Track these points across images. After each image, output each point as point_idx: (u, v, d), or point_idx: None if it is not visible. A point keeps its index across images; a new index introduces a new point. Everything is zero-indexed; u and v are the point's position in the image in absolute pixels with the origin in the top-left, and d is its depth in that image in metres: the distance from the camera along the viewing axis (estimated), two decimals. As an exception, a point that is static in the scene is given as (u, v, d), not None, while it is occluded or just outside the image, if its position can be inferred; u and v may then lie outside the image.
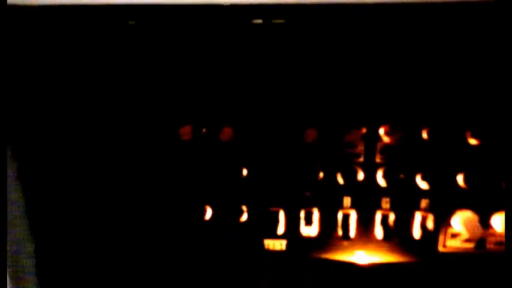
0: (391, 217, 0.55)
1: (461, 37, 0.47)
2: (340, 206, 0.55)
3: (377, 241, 0.56)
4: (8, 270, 0.54)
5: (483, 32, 0.47)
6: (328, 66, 0.50)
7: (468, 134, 0.51)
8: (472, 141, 0.51)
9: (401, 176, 0.53)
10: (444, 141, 0.52)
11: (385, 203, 0.54)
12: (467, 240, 0.54)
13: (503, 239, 0.54)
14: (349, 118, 0.52)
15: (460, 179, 0.53)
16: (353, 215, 0.55)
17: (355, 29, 0.48)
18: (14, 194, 0.53)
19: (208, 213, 0.56)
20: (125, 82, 0.50)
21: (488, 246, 0.54)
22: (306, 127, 0.52)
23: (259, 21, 0.47)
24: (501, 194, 0.52)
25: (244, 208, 0.55)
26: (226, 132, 0.52)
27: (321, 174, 0.54)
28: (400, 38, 0.48)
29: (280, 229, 0.56)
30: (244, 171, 0.54)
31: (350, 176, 0.54)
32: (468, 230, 0.53)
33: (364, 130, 0.53)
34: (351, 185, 0.54)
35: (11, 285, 0.55)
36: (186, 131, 0.52)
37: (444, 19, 0.47)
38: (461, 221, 0.54)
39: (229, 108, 0.52)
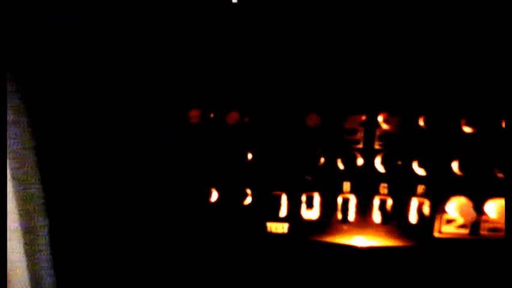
0: (389, 202, 0.57)
1: (457, 26, 0.50)
2: (340, 190, 0.57)
3: (375, 225, 0.58)
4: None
5: (478, 22, 0.49)
6: (330, 53, 0.53)
7: (463, 121, 0.53)
8: (467, 129, 0.54)
9: (399, 162, 0.55)
10: (440, 129, 0.54)
11: (383, 188, 0.57)
12: (461, 226, 0.57)
13: (497, 225, 0.56)
14: (350, 105, 0.54)
15: (455, 166, 0.55)
16: (352, 200, 0.58)
17: (355, 20, 0.51)
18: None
19: (214, 196, 0.58)
20: (135, 65, 0.53)
21: (482, 232, 0.56)
22: (308, 112, 0.55)
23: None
24: (495, 181, 0.55)
25: (248, 191, 0.58)
26: (233, 117, 0.55)
27: (322, 160, 0.56)
28: (398, 28, 0.51)
29: (283, 212, 0.58)
30: (249, 155, 0.57)
31: (350, 162, 0.56)
32: (462, 216, 0.55)
33: (363, 117, 0.55)
34: (351, 170, 0.56)
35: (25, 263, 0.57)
36: (194, 115, 0.55)
37: (441, 10, 0.49)
38: (456, 207, 0.56)
39: (236, 93, 0.54)
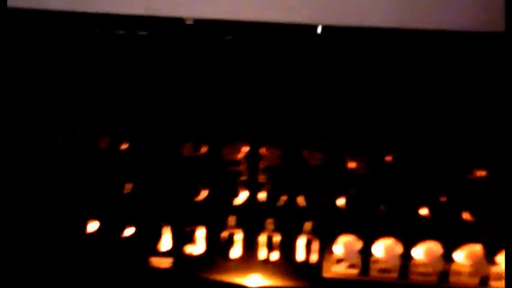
0: (276, 239, 0.54)
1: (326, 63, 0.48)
2: (225, 225, 0.54)
3: (262, 263, 0.55)
4: None
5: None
6: (213, 82, 0.50)
7: (347, 157, 0.51)
8: (352, 165, 0.51)
9: (284, 197, 0.53)
10: (325, 164, 0.51)
11: (270, 224, 0.54)
12: (351, 266, 0.54)
13: (387, 265, 0.53)
14: (230, 135, 0.52)
15: (341, 202, 0.52)
16: (238, 235, 0.54)
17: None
18: None
19: (91, 227, 0.55)
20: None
21: (372, 273, 0.53)
22: (185, 141, 0.52)
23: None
24: (383, 219, 0.52)
25: (129, 223, 0.54)
26: (104, 140, 0.52)
27: (205, 192, 0.53)
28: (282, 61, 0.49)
29: (166, 246, 0.55)
30: (129, 186, 0.54)
31: (234, 195, 0.53)
32: (349, 255, 0.53)
33: (246, 148, 0.52)
34: (236, 204, 0.53)
35: None
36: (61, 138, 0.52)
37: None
38: (344, 246, 0.53)
39: (109, 119, 0.51)
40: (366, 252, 0.53)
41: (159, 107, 0.51)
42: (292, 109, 0.50)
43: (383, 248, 0.53)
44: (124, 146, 0.53)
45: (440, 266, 0.52)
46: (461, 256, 0.51)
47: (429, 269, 0.52)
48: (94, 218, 0.55)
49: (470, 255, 0.51)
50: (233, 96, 0.50)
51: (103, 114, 0.51)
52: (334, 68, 0.48)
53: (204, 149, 0.52)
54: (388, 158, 0.50)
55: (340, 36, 0.47)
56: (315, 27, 0.47)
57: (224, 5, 0.46)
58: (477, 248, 0.51)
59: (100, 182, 0.53)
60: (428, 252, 0.52)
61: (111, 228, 0.55)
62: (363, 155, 0.50)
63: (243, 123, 0.51)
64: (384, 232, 0.52)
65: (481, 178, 0.49)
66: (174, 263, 0.55)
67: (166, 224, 0.55)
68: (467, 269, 0.52)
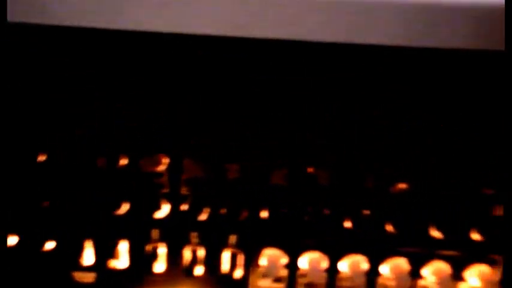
0: (200, 252, 0.53)
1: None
2: (149, 238, 0.53)
3: (187, 277, 0.53)
4: None
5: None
6: (134, 93, 0.49)
7: (269, 168, 0.50)
8: (274, 177, 0.50)
9: (207, 209, 0.51)
10: (247, 176, 0.50)
11: (194, 237, 0.52)
12: (277, 280, 0.52)
13: (313, 279, 0.52)
14: (151, 146, 0.50)
15: (265, 215, 0.51)
16: (162, 249, 0.53)
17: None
18: None
19: (10, 241, 0.53)
20: None
21: (298, 287, 0.52)
22: (104, 153, 0.50)
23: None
24: (308, 233, 0.51)
25: (49, 237, 0.53)
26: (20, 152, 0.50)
27: (127, 206, 0.52)
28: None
29: (89, 261, 0.53)
30: (49, 198, 0.52)
31: (156, 208, 0.52)
32: (275, 269, 0.52)
33: (167, 160, 0.51)
34: (158, 217, 0.52)
35: None
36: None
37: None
38: (268, 260, 0.52)
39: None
40: (292, 266, 0.52)
41: (81, 117, 0.49)
42: (216, 120, 0.49)
43: (308, 262, 0.51)
44: (42, 158, 0.51)
45: (365, 279, 0.51)
46: (386, 270, 0.50)
47: (355, 283, 0.51)
48: (13, 232, 0.53)
49: (394, 269, 0.50)
50: (152, 108, 0.49)
51: (23, 126, 0.50)
52: (259, 80, 0.47)
53: (123, 161, 0.51)
54: (310, 170, 0.49)
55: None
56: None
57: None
58: (401, 262, 0.50)
59: (18, 196, 0.51)
60: (353, 266, 0.51)
61: (31, 243, 0.53)
62: (285, 166, 0.49)
63: (163, 134, 0.49)
64: (309, 246, 0.51)
65: (402, 191, 0.49)
66: (98, 278, 0.54)
67: (88, 238, 0.53)
68: (393, 283, 0.51)
